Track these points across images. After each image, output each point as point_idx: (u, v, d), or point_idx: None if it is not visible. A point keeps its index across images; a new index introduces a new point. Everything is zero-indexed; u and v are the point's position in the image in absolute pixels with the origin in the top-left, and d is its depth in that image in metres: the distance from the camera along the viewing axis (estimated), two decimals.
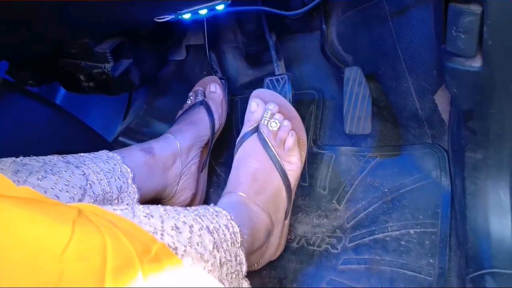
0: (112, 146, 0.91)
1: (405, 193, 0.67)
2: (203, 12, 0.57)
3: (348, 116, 0.70)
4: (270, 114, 0.66)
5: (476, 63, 0.44)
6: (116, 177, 0.57)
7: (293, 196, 0.68)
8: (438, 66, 0.61)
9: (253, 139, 0.67)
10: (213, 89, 0.81)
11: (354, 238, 0.66)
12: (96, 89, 0.82)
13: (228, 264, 0.43)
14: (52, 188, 0.48)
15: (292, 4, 0.76)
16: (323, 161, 0.77)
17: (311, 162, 0.78)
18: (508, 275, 0.47)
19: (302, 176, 0.78)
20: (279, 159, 0.65)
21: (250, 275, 0.60)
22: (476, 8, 0.41)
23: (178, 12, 0.54)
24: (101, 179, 0.54)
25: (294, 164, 0.66)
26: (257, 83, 0.93)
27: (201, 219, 0.44)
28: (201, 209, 0.48)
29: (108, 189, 0.55)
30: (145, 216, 0.37)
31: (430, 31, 0.60)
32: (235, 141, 0.92)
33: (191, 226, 0.40)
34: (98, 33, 0.66)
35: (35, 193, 0.31)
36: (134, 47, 0.76)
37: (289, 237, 0.72)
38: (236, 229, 0.49)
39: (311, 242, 0.69)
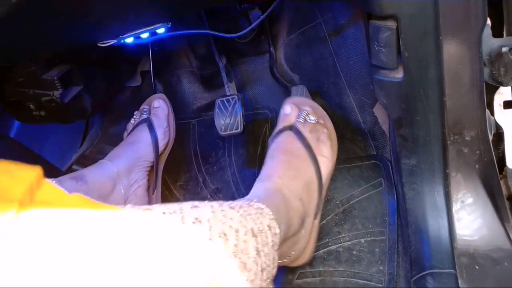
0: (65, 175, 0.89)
1: (355, 203, 0.69)
2: (145, 35, 0.58)
3: None
4: (306, 113, 0.68)
5: (399, 74, 0.47)
6: None
7: (323, 194, 0.67)
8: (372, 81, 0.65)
9: (287, 133, 0.67)
10: (157, 105, 0.80)
11: None
12: (48, 118, 0.80)
13: (267, 270, 0.43)
14: None
15: (242, 28, 0.80)
16: None
17: None
18: (447, 273, 0.49)
19: None
20: (313, 149, 0.65)
21: None
22: (392, 24, 0.44)
23: (120, 36, 0.55)
24: None
25: (326, 157, 0.66)
26: (214, 105, 0.95)
27: (246, 219, 0.43)
28: (245, 205, 0.47)
29: None
30: (194, 223, 0.37)
31: (364, 48, 0.64)
32: (194, 163, 0.93)
33: (237, 231, 0.40)
34: (41, 59, 0.66)
35: None
36: (84, 74, 0.76)
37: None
38: (277, 230, 0.48)
39: None
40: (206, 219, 0.38)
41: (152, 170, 0.76)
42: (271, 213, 0.49)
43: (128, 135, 0.79)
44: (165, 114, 0.80)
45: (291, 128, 0.67)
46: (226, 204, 0.44)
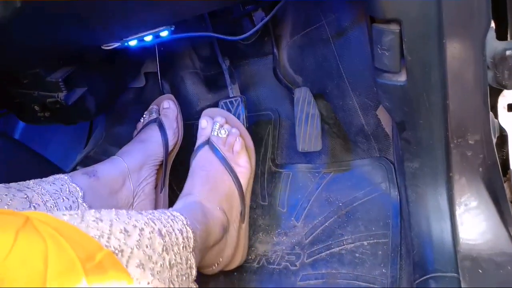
0: None
1: (358, 206, 0.69)
2: (148, 38, 0.59)
3: (299, 135, 0.72)
4: (218, 125, 0.72)
5: (402, 78, 0.47)
6: (64, 197, 0.56)
7: (247, 200, 0.72)
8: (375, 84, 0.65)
9: (205, 149, 0.72)
10: (167, 105, 0.82)
11: (311, 254, 0.67)
12: (52, 119, 0.81)
13: (178, 267, 0.44)
14: None
15: (245, 29, 0.80)
16: (281, 179, 0.79)
17: (270, 181, 0.79)
18: (450, 277, 0.49)
19: (262, 196, 0.79)
20: (228, 161, 0.70)
21: None
22: (395, 28, 0.44)
23: (123, 39, 0.56)
24: (46, 200, 0.53)
25: (243, 167, 0.71)
26: (217, 107, 0.95)
27: (154, 222, 0.44)
28: (157, 213, 0.49)
29: (56, 210, 0.54)
30: (94, 221, 0.38)
31: (367, 51, 0.64)
32: None
33: (141, 229, 0.41)
34: (46, 62, 0.66)
35: None
36: (88, 75, 0.76)
37: (250, 257, 0.72)
38: (190, 234, 0.50)
39: (271, 261, 0.70)
40: (108, 219, 0.39)
41: (160, 169, 0.77)
42: (184, 219, 0.51)
43: (137, 133, 0.80)
44: (174, 115, 0.81)
45: (208, 142, 0.72)
46: (135, 211, 0.46)
